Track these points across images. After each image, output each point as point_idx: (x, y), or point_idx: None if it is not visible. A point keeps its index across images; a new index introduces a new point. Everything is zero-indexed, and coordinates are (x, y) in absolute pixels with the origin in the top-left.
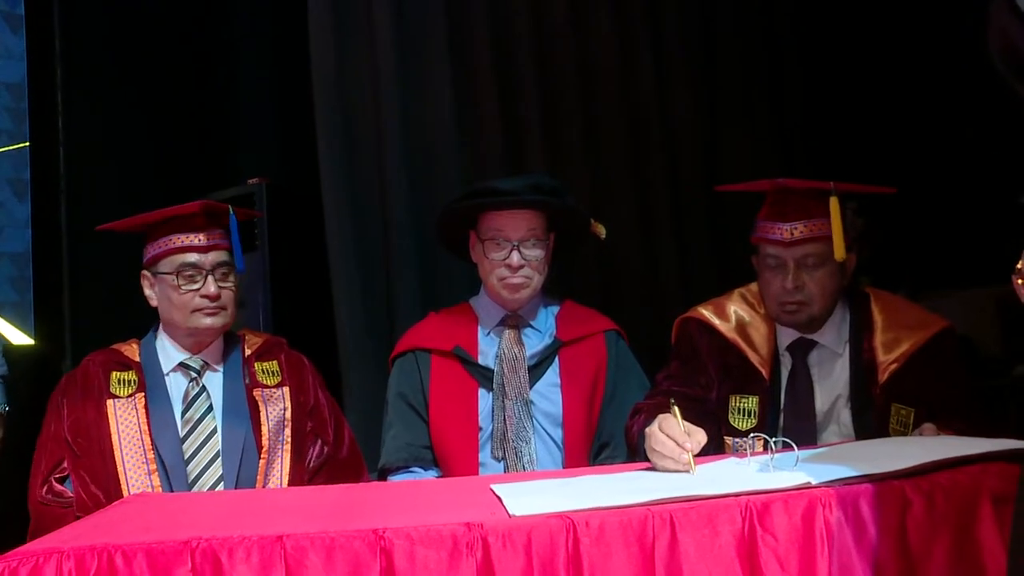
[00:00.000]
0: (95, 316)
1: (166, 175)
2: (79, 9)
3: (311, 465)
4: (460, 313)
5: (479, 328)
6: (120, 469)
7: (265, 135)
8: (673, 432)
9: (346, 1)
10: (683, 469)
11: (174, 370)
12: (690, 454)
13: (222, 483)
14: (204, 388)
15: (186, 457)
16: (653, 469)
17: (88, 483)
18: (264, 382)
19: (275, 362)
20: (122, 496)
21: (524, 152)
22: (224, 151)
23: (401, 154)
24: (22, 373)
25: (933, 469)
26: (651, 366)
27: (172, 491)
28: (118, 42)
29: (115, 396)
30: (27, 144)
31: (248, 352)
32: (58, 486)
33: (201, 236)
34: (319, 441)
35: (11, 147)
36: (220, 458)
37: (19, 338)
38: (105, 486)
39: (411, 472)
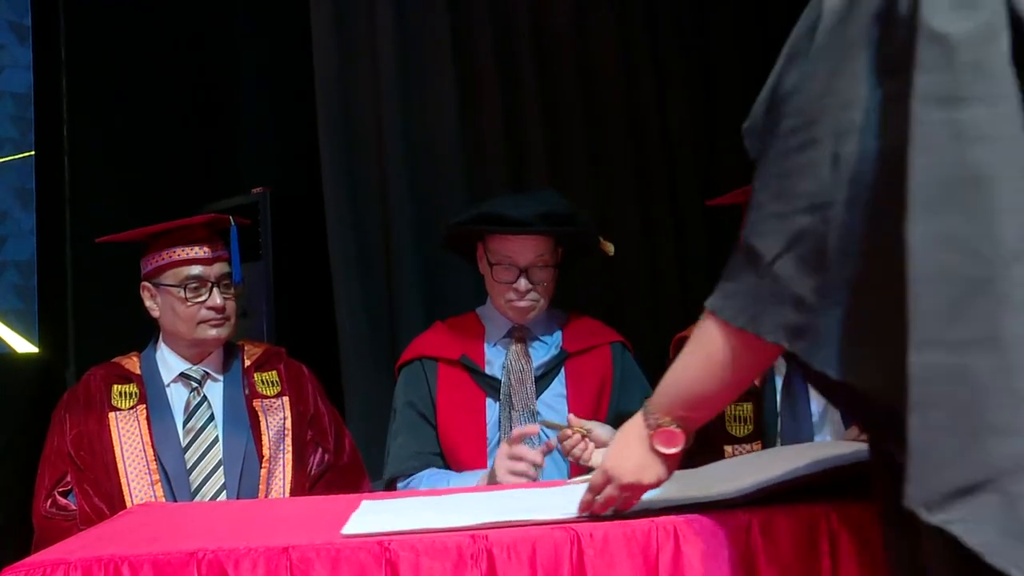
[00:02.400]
0: (99, 325)
1: (170, 185)
2: (85, 20)
3: (312, 473)
4: (467, 323)
5: (486, 338)
6: (123, 481)
7: (268, 144)
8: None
9: (348, 8)
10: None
11: (175, 380)
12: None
13: (224, 492)
14: (205, 398)
15: (188, 467)
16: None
17: (91, 496)
18: (264, 392)
19: (274, 372)
20: (126, 508)
21: (527, 161)
22: (228, 160)
23: (404, 161)
24: (26, 382)
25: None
26: (652, 375)
27: (176, 501)
28: (123, 53)
29: (117, 409)
30: (32, 153)
31: (248, 363)
32: (62, 499)
33: (206, 248)
34: (320, 449)
35: (16, 156)
36: (222, 467)
37: (23, 346)
38: (109, 498)
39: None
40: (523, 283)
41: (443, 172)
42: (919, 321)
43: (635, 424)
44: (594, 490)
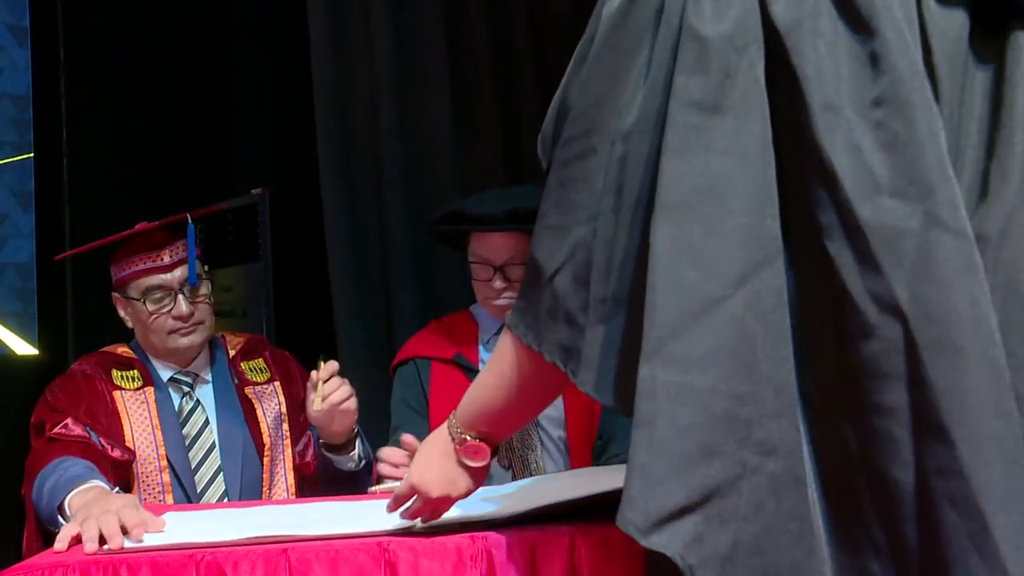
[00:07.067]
0: (98, 327)
1: (169, 185)
2: (83, 22)
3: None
4: (460, 320)
5: (479, 336)
6: (134, 462)
7: (266, 145)
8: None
9: (344, 9)
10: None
11: (166, 384)
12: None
13: (226, 497)
14: (198, 402)
15: (192, 467)
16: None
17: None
18: (254, 379)
19: (260, 359)
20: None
21: (524, 162)
22: (226, 162)
23: (400, 163)
24: (25, 384)
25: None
26: None
27: (183, 489)
28: (121, 55)
29: (122, 388)
30: (31, 155)
31: (232, 353)
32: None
33: (164, 255)
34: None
35: (15, 158)
36: (222, 473)
37: (23, 348)
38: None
39: None
40: (498, 283)
41: (440, 174)
42: (651, 332)
43: (440, 437)
44: (399, 500)
